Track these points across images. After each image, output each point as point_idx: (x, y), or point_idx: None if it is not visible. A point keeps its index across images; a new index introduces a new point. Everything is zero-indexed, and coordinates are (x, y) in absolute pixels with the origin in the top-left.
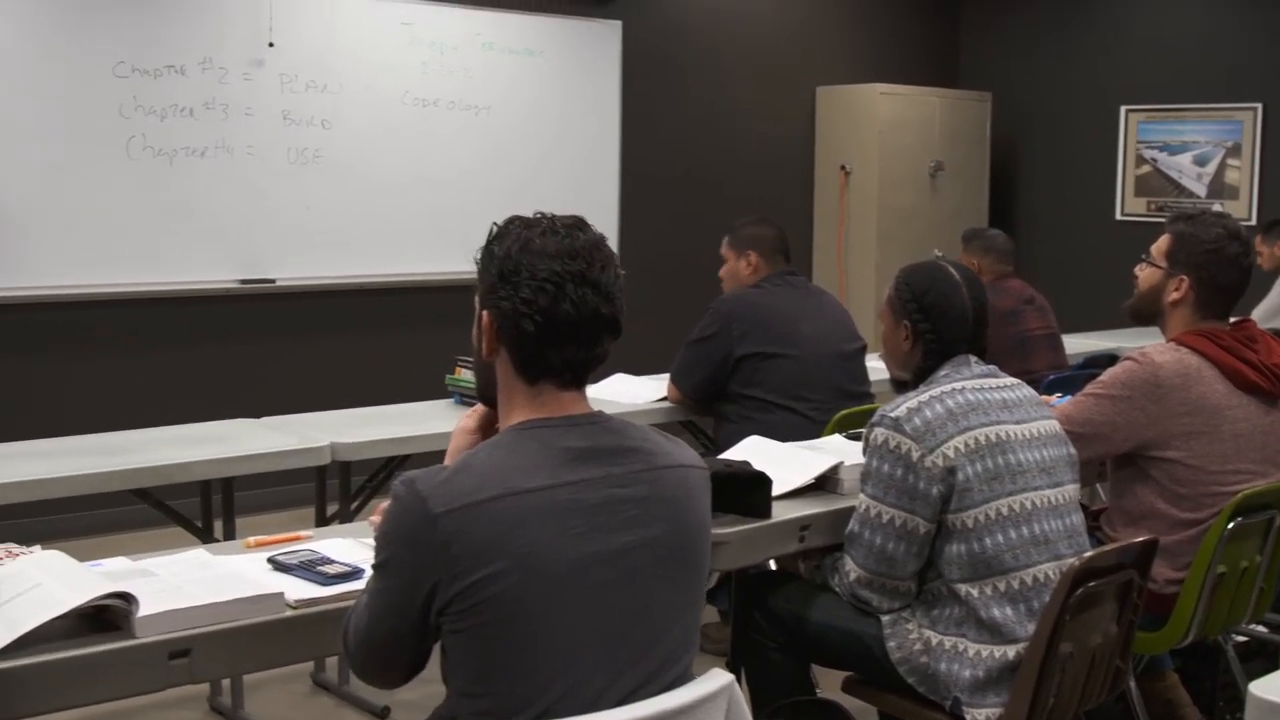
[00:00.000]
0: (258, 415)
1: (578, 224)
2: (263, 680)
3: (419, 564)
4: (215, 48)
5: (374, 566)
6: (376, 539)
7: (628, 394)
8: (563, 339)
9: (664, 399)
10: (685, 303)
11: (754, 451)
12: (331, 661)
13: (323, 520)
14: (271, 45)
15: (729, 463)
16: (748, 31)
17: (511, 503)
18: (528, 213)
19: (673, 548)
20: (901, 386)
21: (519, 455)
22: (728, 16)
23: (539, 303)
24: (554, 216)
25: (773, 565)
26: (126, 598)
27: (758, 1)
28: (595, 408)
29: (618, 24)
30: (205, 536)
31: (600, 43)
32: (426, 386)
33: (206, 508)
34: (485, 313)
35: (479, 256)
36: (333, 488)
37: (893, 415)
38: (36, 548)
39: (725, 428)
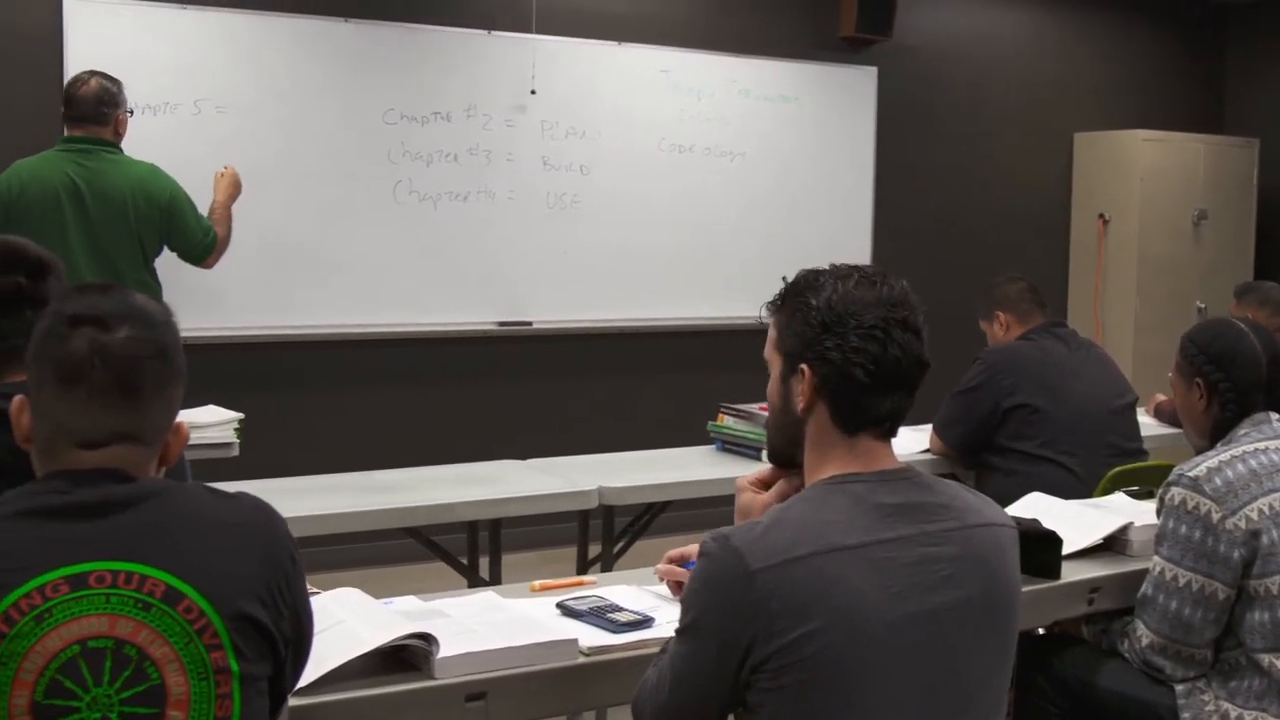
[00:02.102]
0: (513, 454)
1: (883, 273)
2: None
3: (735, 622)
4: (480, 95)
5: (680, 630)
6: (685, 599)
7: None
8: (891, 386)
9: (926, 450)
10: (940, 353)
11: (1038, 508)
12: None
13: (584, 563)
14: (533, 93)
15: (1019, 520)
16: (1004, 77)
17: (830, 559)
18: (784, 259)
19: (984, 608)
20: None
21: (832, 510)
22: (984, 62)
23: (869, 350)
24: (855, 266)
25: (1040, 630)
26: (427, 638)
27: (1015, 47)
28: (923, 473)
29: (873, 70)
30: (471, 576)
31: (856, 89)
32: (683, 431)
33: (473, 547)
34: (806, 366)
35: (773, 313)
36: (592, 530)
37: (1191, 475)
38: None
39: (989, 481)
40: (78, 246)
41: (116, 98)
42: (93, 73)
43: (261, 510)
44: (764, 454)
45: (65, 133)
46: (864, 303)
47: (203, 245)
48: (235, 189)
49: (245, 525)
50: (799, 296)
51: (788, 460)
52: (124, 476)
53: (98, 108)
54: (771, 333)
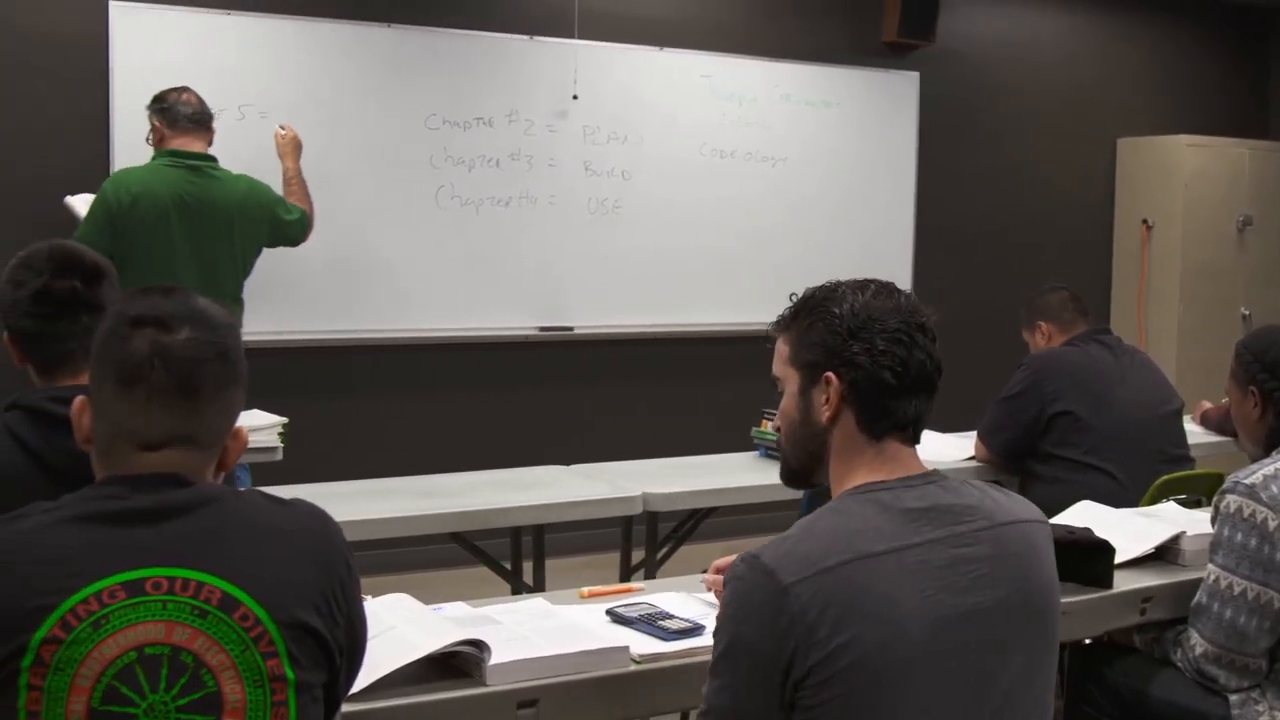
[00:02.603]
0: (555, 459)
1: (893, 285)
2: None
3: (773, 640)
4: (522, 100)
5: (717, 659)
6: (718, 629)
7: (933, 451)
8: (917, 388)
9: (970, 458)
10: (982, 359)
11: (1088, 517)
12: None
13: (627, 568)
14: (575, 98)
15: (1071, 529)
16: (1047, 82)
17: (860, 567)
18: (827, 264)
19: (1021, 607)
20: None
21: (860, 519)
22: (1026, 67)
23: (896, 353)
24: (867, 279)
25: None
26: (479, 645)
27: (1057, 52)
28: (948, 475)
29: (915, 75)
30: (515, 581)
31: (897, 94)
32: (725, 437)
33: (516, 552)
34: (832, 373)
35: (783, 330)
36: (634, 535)
37: (1247, 482)
38: None
39: (1033, 489)
40: (183, 261)
41: (210, 111)
42: (185, 88)
43: (318, 517)
44: None
45: (155, 144)
46: (885, 310)
47: (299, 235)
48: (300, 149)
49: (302, 532)
50: (819, 308)
51: (804, 479)
52: (182, 481)
53: (200, 121)
54: (783, 349)
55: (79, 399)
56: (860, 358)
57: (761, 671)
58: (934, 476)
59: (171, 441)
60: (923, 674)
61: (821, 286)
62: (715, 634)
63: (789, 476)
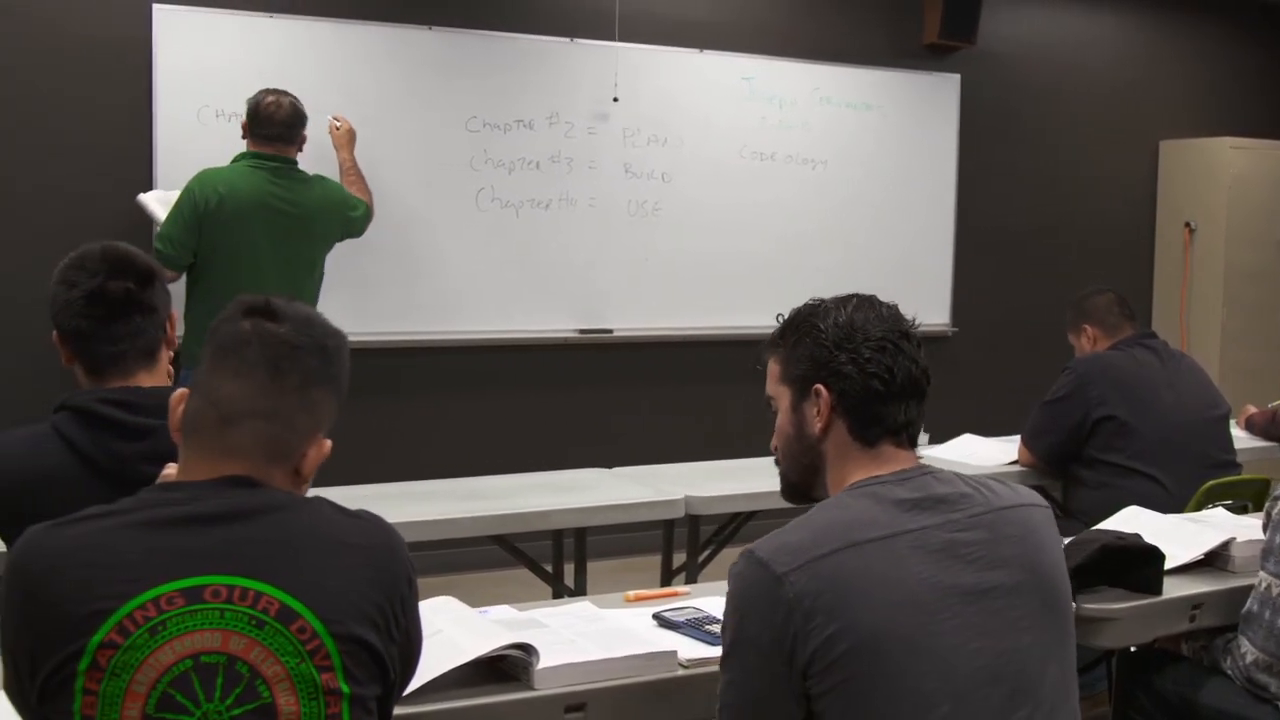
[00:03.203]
0: (594, 461)
1: (875, 298)
2: None
3: (774, 630)
4: (563, 103)
5: (724, 657)
6: (723, 626)
7: (976, 455)
8: (905, 394)
9: (1014, 462)
10: (1024, 362)
11: (1135, 522)
12: None
13: (669, 572)
14: (616, 100)
15: (1120, 535)
16: (1089, 84)
17: (853, 554)
18: (867, 266)
19: (1026, 588)
20: None
21: (854, 510)
22: (1068, 69)
23: (882, 361)
24: (850, 294)
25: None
26: (527, 649)
27: (1099, 54)
28: (943, 469)
29: (955, 77)
30: (556, 584)
31: (938, 96)
32: (764, 440)
33: (558, 555)
34: (822, 385)
35: (772, 350)
36: (675, 538)
37: None
38: None
39: (1078, 493)
40: (267, 262)
41: (304, 118)
42: (281, 91)
43: (383, 531)
44: None
45: (247, 146)
46: (868, 320)
47: (363, 228)
48: (354, 139)
49: (366, 547)
50: (804, 324)
51: (804, 494)
52: (251, 482)
53: (291, 129)
54: (773, 368)
55: (179, 391)
56: (847, 368)
57: (767, 663)
58: (928, 469)
59: (250, 416)
60: (927, 655)
61: (805, 304)
62: (721, 631)
63: (789, 491)
